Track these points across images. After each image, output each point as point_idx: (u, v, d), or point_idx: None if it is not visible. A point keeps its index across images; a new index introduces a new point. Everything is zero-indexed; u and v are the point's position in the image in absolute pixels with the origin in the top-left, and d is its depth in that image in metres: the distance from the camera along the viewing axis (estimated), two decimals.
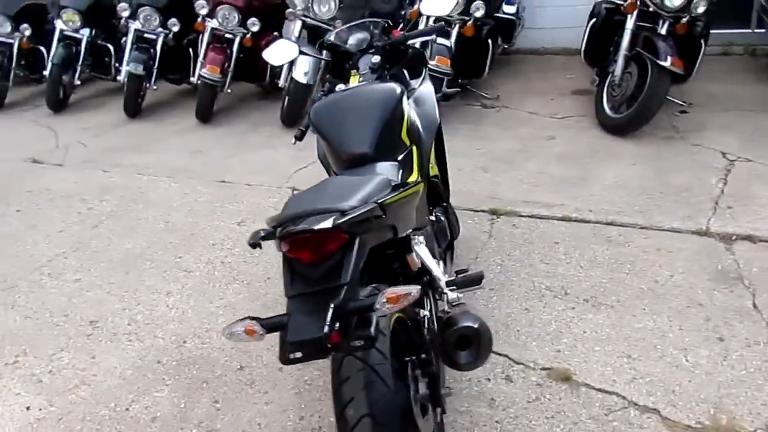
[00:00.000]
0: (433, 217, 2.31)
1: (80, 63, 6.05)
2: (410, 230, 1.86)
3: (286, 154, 4.49)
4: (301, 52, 2.68)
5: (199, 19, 5.33)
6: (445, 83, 4.69)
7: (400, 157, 2.15)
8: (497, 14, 5.42)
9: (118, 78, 5.87)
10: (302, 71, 4.80)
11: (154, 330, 2.76)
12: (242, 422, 2.22)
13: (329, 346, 1.32)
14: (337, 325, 1.32)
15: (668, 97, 4.47)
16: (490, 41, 4.85)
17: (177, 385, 2.43)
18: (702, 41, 4.14)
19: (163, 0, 5.71)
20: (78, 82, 6.17)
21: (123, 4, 5.64)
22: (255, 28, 5.26)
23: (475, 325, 1.53)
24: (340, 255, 1.42)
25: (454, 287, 1.88)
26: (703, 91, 4.80)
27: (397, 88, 2.25)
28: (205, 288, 3.04)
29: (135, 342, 2.70)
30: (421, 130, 2.33)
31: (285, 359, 1.37)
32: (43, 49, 6.34)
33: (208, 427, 2.22)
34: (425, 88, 2.55)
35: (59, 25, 5.99)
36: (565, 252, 3.03)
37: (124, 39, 5.85)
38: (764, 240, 2.95)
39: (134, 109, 5.72)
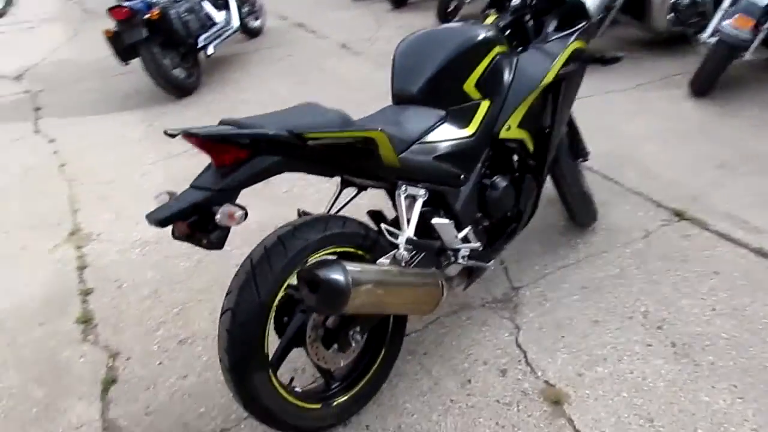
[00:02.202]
0: (486, 181, 2.13)
1: None
2: (391, 176, 1.83)
3: None
4: None
5: None
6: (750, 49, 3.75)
7: (454, 107, 2.04)
8: None
9: None
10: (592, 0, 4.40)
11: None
12: None
13: (180, 234, 1.54)
14: (193, 218, 1.52)
15: None
16: None
17: None
18: None
19: None
20: None
21: None
22: None
23: (321, 275, 1.51)
24: (234, 167, 1.56)
25: (410, 248, 1.80)
26: None
27: (481, 34, 2.08)
28: None
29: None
30: (508, 86, 2.12)
31: (173, 235, 1.64)
32: None
33: None
34: (550, 46, 2.24)
35: None
36: (714, 287, 2.39)
37: None
38: None
39: (443, 15, 6.08)
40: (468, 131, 2.04)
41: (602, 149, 3.49)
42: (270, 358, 1.73)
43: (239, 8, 5.78)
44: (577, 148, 2.60)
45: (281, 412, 1.73)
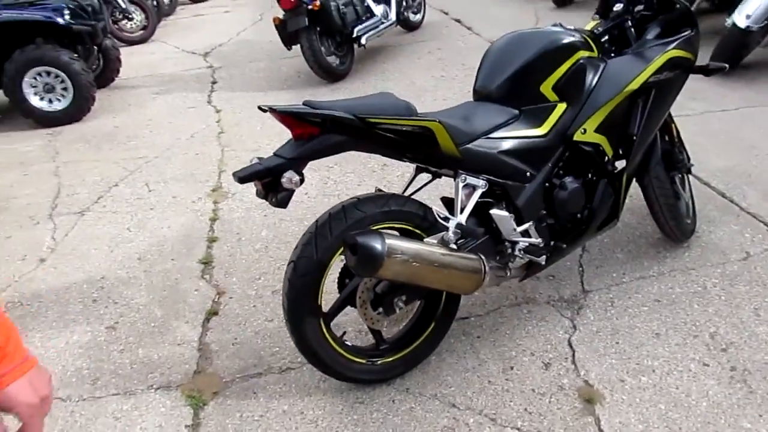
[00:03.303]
0: (556, 181, 2.20)
1: None
2: (452, 165, 2.00)
3: None
4: None
5: None
6: None
7: (528, 107, 2.15)
8: None
9: None
10: (745, 12, 4.09)
11: None
12: None
13: (258, 191, 1.85)
14: (267, 180, 1.82)
15: None
16: None
17: None
18: None
19: None
20: None
21: None
22: None
23: (359, 240, 1.72)
24: (306, 141, 1.84)
25: (458, 233, 1.96)
26: None
27: (564, 39, 2.16)
28: None
29: None
30: (590, 90, 2.18)
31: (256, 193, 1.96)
32: None
33: None
34: (645, 53, 2.24)
35: None
36: None
37: None
38: None
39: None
40: (540, 131, 2.14)
41: (727, 164, 3.33)
42: (326, 310, 2.02)
43: (399, 3, 6.12)
44: (674, 160, 2.54)
45: (326, 357, 2.00)
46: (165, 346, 2.44)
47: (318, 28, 5.18)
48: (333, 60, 5.41)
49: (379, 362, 2.12)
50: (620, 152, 2.35)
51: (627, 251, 2.73)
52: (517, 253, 2.14)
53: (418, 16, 6.84)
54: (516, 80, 2.15)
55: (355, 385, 2.15)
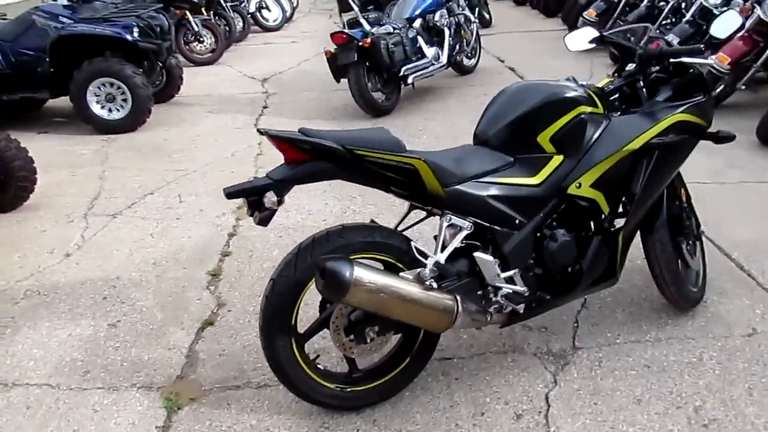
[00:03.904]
0: (547, 232, 2.19)
1: None
2: (437, 204, 2.04)
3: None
4: (602, 40, 2.65)
5: None
6: None
7: (523, 156, 2.17)
8: None
9: None
10: None
11: None
12: None
13: (246, 209, 1.94)
14: (252, 198, 1.91)
15: None
16: None
17: None
18: None
19: None
20: None
21: None
22: None
23: (328, 265, 1.77)
24: (295, 166, 1.93)
25: (435, 271, 1.98)
26: None
27: (566, 93, 2.19)
28: None
29: None
30: (589, 145, 2.18)
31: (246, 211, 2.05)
32: None
33: None
34: (652, 114, 2.23)
35: None
36: None
37: None
38: None
39: None
40: (533, 180, 2.15)
41: (754, 237, 3.23)
42: (302, 331, 2.07)
43: (452, 47, 6.24)
44: (681, 225, 2.48)
45: (294, 376, 2.04)
46: (157, 349, 2.54)
47: (366, 64, 5.36)
48: (378, 96, 5.56)
49: (348, 390, 2.14)
50: (621, 211, 2.33)
51: (628, 312, 2.66)
52: (499, 298, 2.14)
53: (472, 61, 6.94)
54: (514, 128, 2.18)
55: (325, 411, 2.17)
